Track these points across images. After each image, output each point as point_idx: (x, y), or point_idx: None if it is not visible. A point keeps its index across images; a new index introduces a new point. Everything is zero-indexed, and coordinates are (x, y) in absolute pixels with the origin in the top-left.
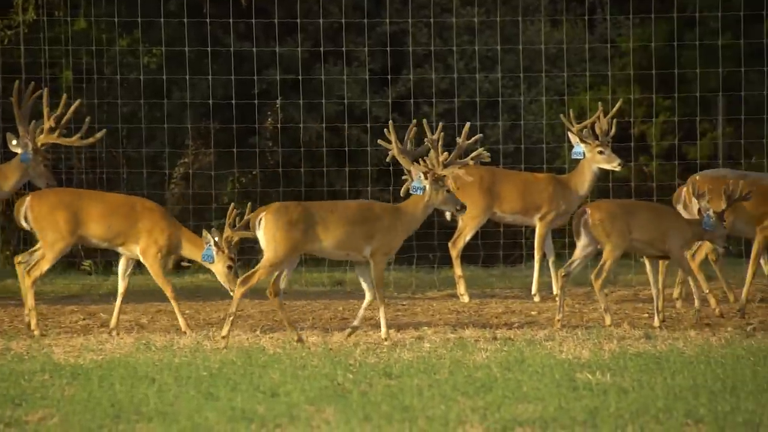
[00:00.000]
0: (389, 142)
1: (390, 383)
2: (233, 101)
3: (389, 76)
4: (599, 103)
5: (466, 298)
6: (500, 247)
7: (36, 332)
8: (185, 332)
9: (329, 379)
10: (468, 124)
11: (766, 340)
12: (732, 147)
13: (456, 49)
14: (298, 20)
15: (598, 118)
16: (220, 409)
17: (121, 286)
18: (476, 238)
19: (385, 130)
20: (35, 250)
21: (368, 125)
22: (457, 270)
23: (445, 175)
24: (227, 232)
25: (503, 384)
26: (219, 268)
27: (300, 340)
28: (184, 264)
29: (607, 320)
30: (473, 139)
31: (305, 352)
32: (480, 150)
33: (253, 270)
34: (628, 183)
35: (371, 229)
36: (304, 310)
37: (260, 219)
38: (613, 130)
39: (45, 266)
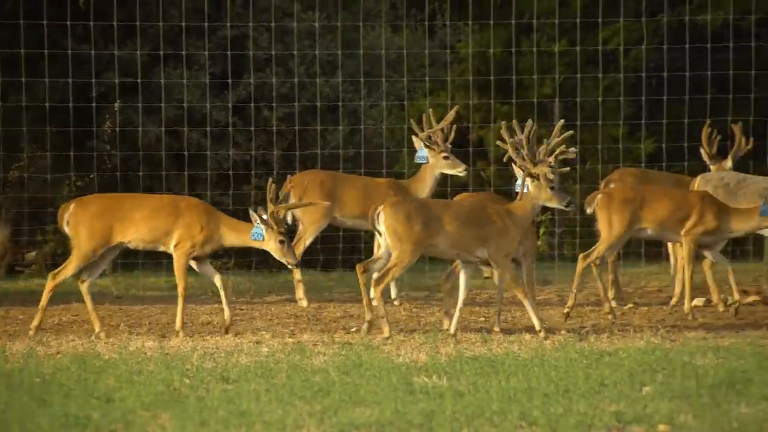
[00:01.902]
0: (504, 141)
1: (227, 388)
2: (71, 104)
3: (230, 80)
4: (456, 107)
5: (304, 303)
6: (339, 252)
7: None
8: (178, 333)
9: (165, 384)
10: (562, 122)
11: (598, 343)
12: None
13: (297, 53)
14: (138, 23)
15: (450, 124)
16: (53, 415)
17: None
18: (315, 242)
19: (502, 130)
20: None
21: (208, 129)
22: (296, 274)
23: (546, 173)
24: (271, 207)
25: (341, 388)
26: (272, 245)
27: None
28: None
29: (445, 325)
30: (563, 136)
31: (141, 357)
32: (568, 148)
33: (385, 270)
34: (466, 188)
35: (484, 232)
36: (141, 315)
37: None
38: (452, 135)
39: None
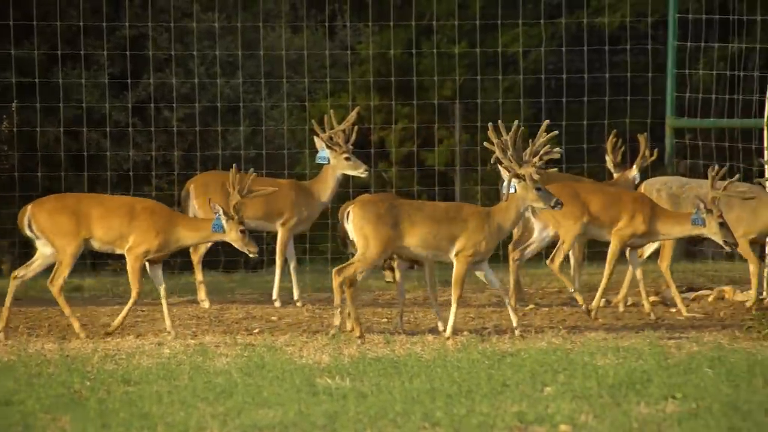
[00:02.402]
0: (491, 142)
1: (129, 390)
2: None
3: (129, 81)
4: (358, 108)
5: (206, 304)
6: (241, 253)
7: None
8: (109, 333)
9: (66, 387)
10: (546, 122)
11: (500, 344)
12: (469, 153)
13: (197, 53)
14: (35, 22)
15: (352, 125)
16: None
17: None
18: (216, 243)
19: (489, 131)
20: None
21: (107, 129)
22: (198, 275)
23: (531, 174)
24: (234, 197)
25: (243, 389)
26: (233, 236)
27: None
28: None
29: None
30: (549, 136)
31: (41, 359)
32: (553, 148)
33: (348, 262)
34: (368, 189)
35: (457, 232)
36: (41, 317)
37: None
38: (354, 136)
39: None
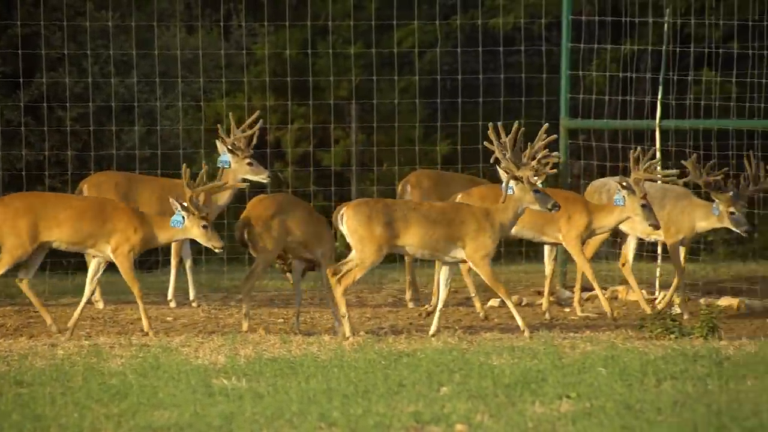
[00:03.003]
0: (491, 143)
1: (21, 392)
2: None
3: (21, 80)
4: (258, 113)
5: (101, 305)
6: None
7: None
8: (147, 333)
9: None
10: (546, 125)
11: (397, 344)
12: (365, 154)
13: (90, 53)
14: None
15: (250, 127)
16: None
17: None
18: None
19: (489, 131)
20: None
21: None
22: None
23: (528, 176)
24: (188, 192)
25: (138, 391)
26: (195, 231)
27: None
28: None
29: (244, 327)
30: (548, 139)
31: None
32: (551, 153)
33: (347, 270)
34: (264, 189)
35: (458, 232)
36: None
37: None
38: (255, 140)
39: None
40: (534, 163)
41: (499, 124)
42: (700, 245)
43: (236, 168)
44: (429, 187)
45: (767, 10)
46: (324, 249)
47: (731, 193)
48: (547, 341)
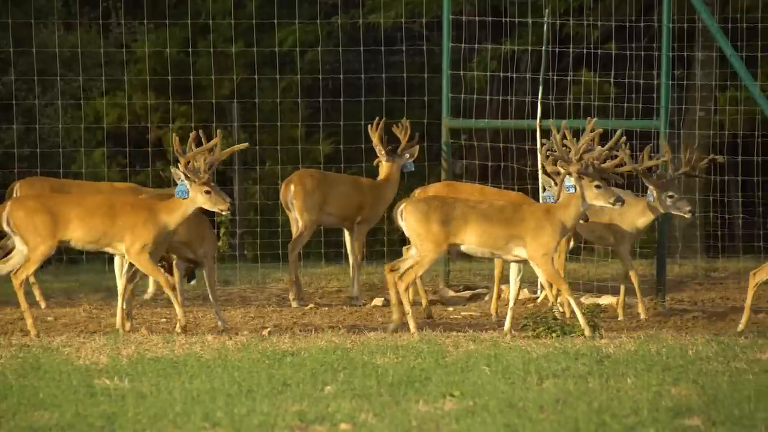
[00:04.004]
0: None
1: None
2: None
3: None
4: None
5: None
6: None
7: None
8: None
9: None
10: (620, 131)
11: (281, 343)
12: (247, 153)
13: None
14: None
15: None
16: None
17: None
18: None
19: (554, 129)
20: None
21: None
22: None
23: (587, 172)
24: (182, 160)
25: (19, 391)
26: (200, 199)
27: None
28: None
29: (127, 326)
30: (594, 134)
31: None
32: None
33: (408, 268)
34: (147, 183)
35: (518, 231)
36: None
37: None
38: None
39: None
40: (592, 158)
41: (381, 120)
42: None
43: (193, 197)
44: (312, 186)
45: (644, 11)
46: (206, 249)
47: (665, 179)
48: (431, 340)
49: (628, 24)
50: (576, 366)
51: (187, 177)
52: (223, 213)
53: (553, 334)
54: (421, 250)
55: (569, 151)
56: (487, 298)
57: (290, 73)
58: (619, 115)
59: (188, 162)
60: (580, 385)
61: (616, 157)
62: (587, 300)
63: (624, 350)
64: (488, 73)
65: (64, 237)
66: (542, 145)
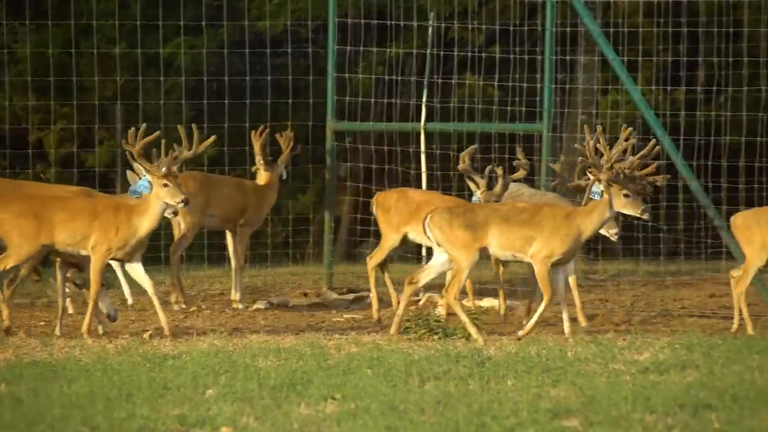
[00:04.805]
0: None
1: None
2: None
3: None
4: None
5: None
6: None
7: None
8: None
9: None
10: (653, 141)
11: (162, 347)
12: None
13: None
14: None
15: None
16: None
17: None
18: None
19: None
20: None
21: None
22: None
23: (618, 180)
24: (135, 153)
25: None
26: (162, 193)
27: None
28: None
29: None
30: (628, 143)
31: None
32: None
33: (450, 278)
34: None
35: (534, 233)
36: None
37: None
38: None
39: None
40: (626, 166)
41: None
42: None
43: (156, 192)
44: (195, 188)
45: (528, 15)
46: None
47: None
48: (313, 343)
49: (512, 28)
50: (457, 368)
51: (147, 171)
52: (179, 206)
53: (435, 337)
54: (454, 258)
55: (601, 158)
56: (369, 301)
57: (174, 75)
58: (502, 119)
59: (137, 155)
60: (461, 387)
61: (647, 165)
62: (483, 303)
63: (504, 352)
64: (373, 76)
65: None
66: (426, 147)
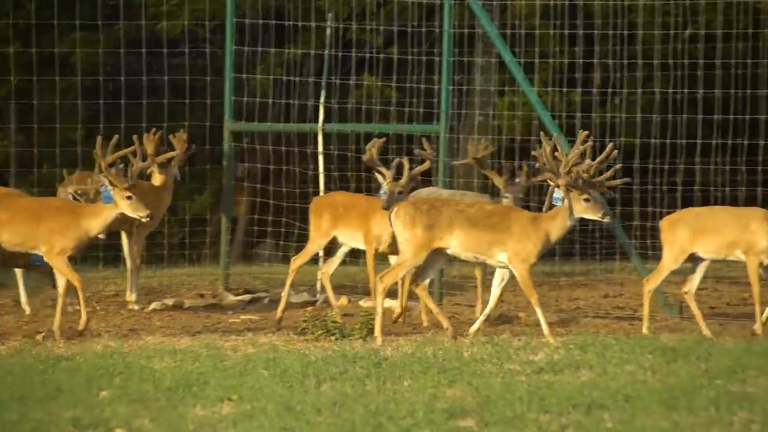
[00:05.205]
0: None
1: None
2: None
3: None
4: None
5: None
6: None
7: None
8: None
9: None
10: (611, 144)
11: (55, 348)
12: (24, 155)
13: None
14: None
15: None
16: None
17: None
18: None
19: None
20: None
21: None
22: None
23: (576, 185)
24: (103, 164)
25: None
26: (123, 205)
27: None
28: None
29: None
30: (584, 147)
31: None
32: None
33: (390, 268)
34: None
35: (502, 237)
36: None
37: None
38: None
39: None
40: (581, 171)
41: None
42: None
43: (117, 202)
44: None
45: (426, 16)
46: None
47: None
48: (209, 344)
49: (410, 29)
50: (354, 369)
51: (111, 183)
52: (143, 219)
53: (332, 337)
54: (403, 252)
55: (559, 164)
56: (266, 302)
57: (70, 75)
58: (400, 120)
59: (104, 166)
60: (357, 387)
61: (609, 168)
62: (366, 303)
63: (401, 353)
64: (271, 77)
65: None
66: (324, 148)
